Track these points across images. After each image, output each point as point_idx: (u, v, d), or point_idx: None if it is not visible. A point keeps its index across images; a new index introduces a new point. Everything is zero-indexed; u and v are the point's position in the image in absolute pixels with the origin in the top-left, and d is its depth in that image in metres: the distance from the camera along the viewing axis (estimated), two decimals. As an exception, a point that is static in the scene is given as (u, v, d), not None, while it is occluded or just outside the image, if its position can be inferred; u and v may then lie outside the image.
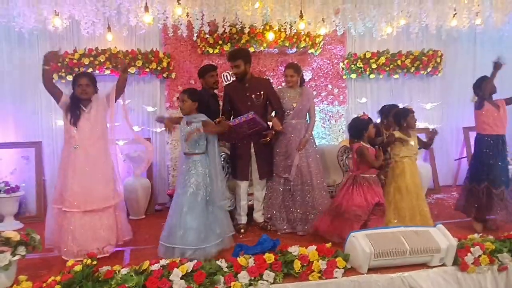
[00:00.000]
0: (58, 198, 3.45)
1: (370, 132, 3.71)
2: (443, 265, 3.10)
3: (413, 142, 4.04)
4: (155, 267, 2.78)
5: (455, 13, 4.07)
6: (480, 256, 3.11)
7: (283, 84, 4.57)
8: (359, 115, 3.79)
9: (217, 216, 3.48)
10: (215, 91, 4.70)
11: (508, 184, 4.15)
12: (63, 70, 4.80)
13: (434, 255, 3.07)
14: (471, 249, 3.13)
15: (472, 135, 6.04)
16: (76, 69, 4.76)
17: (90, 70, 4.79)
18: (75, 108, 3.45)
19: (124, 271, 2.76)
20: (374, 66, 5.68)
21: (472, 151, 4.52)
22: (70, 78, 4.71)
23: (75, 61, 4.77)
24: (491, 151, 4.11)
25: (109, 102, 3.56)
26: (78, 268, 2.66)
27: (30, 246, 2.98)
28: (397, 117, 4.06)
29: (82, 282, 2.60)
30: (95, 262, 2.74)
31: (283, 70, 4.31)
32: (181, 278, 2.70)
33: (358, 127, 3.72)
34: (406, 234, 3.11)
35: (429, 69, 5.83)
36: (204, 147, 3.48)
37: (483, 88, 4.02)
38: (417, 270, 3.03)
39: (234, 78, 4.29)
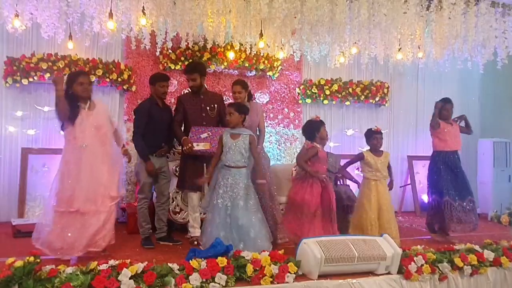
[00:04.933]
0: (66, 201, 3.40)
1: (322, 133, 3.88)
2: (389, 273, 3.24)
3: (379, 163, 4.19)
4: (103, 267, 2.69)
5: (400, 46, 4.48)
6: (422, 265, 3.28)
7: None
8: (312, 118, 3.98)
9: None
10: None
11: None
12: (18, 74, 4.63)
13: (381, 262, 3.21)
14: (415, 258, 3.30)
15: (416, 164, 6.49)
16: (33, 73, 4.64)
17: (48, 75, 4.68)
18: (73, 108, 3.41)
19: (69, 270, 2.65)
20: (327, 92, 6.01)
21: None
22: (25, 82, 4.61)
23: (32, 65, 4.64)
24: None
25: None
26: (18, 264, 2.51)
27: None
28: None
29: (22, 279, 2.47)
30: (38, 260, 2.61)
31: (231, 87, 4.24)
32: (130, 278, 2.63)
33: (311, 128, 3.89)
34: (355, 242, 3.24)
35: (377, 99, 6.26)
36: None
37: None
38: (365, 277, 3.14)
39: (190, 91, 4.33)
